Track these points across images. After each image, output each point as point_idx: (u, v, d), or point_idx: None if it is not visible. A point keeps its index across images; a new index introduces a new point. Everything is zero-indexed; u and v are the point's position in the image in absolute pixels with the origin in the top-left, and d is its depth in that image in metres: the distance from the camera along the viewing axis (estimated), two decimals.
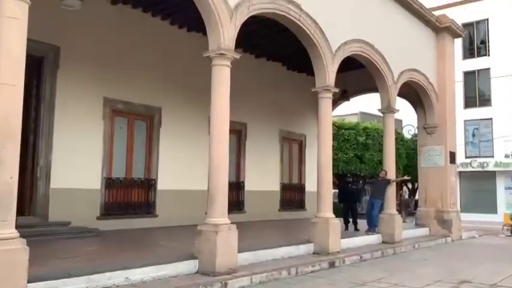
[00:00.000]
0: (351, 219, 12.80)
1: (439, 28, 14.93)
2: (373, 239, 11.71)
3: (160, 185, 11.70)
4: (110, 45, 10.73)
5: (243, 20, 7.61)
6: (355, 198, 13.05)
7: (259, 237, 10.71)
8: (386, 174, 12.36)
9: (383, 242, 11.70)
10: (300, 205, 16.79)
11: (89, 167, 10.20)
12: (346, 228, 12.60)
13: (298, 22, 8.96)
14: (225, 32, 7.18)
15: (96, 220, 10.17)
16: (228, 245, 6.92)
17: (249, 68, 14.76)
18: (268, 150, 15.55)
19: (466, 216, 26.04)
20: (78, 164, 9.90)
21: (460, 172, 27.09)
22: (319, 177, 9.79)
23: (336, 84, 16.45)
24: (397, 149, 30.50)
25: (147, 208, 11.47)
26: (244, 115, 14.48)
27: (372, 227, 12.21)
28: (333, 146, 27.81)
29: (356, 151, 28.39)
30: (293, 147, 17.02)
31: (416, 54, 13.89)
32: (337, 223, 9.60)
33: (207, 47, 7.30)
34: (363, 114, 48.08)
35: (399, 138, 31.40)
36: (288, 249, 8.81)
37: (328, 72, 9.84)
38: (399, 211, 28.71)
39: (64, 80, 9.78)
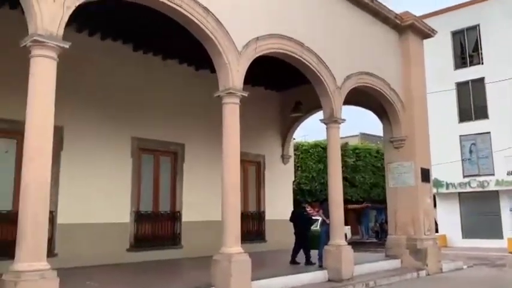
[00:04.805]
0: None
1: (402, 27, 12.95)
2: (317, 276, 9.55)
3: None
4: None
5: None
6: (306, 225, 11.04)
7: None
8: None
9: (329, 280, 9.55)
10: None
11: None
12: (293, 260, 10.67)
13: (180, 8, 7.20)
14: None
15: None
16: None
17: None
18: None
19: (468, 243, 23.37)
20: None
21: (459, 193, 24.47)
22: (223, 203, 7.81)
23: (290, 97, 14.93)
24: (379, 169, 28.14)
25: None
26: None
27: (319, 260, 10.19)
28: (319, 170, 25.93)
29: (345, 174, 26.11)
30: (249, 171, 14.96)
31: (372, 56, 11.90)
32: (244, 260, 7.54)
33: None
34: (364, 136, 45.74)
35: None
36: None
37: (231, 72, 7.97)
38: (378, 237, 26.32)
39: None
